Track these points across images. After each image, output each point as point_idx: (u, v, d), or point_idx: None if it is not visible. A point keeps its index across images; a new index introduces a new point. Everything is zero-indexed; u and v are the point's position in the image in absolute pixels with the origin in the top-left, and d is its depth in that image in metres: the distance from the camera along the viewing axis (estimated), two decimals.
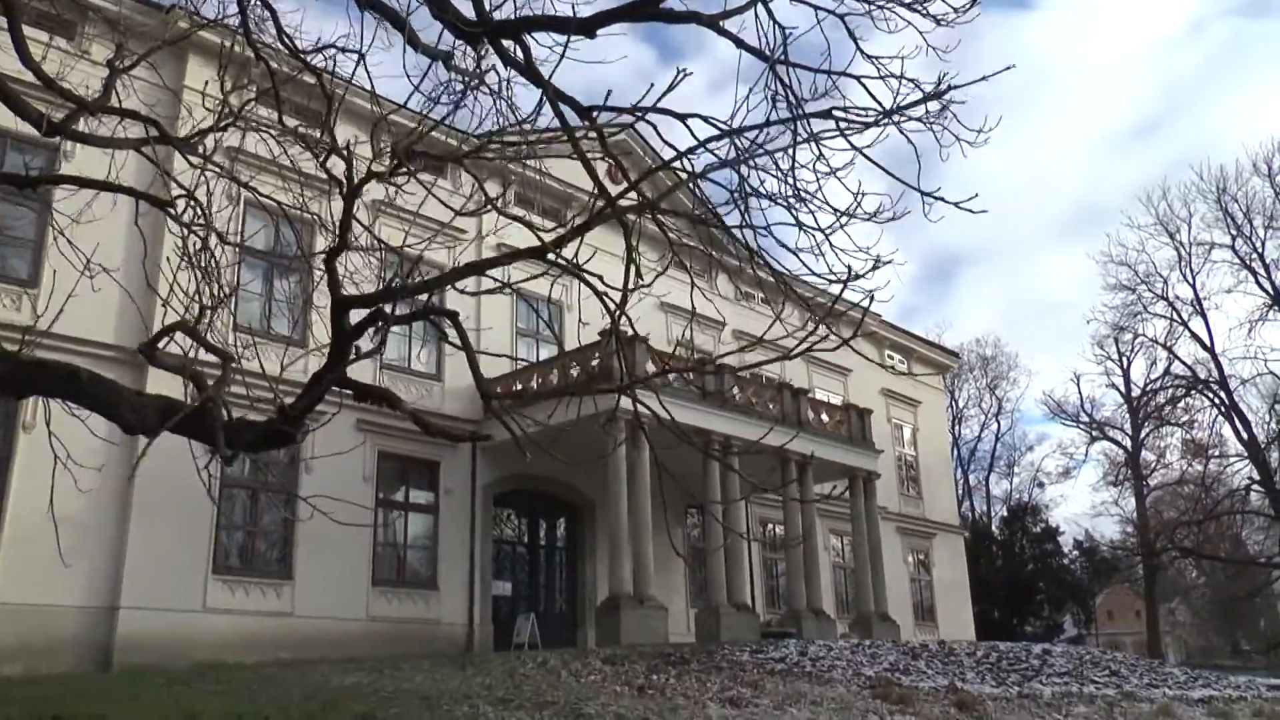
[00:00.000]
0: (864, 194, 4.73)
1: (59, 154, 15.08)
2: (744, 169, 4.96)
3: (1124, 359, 47.58)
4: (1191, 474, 45.64)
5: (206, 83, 6.51)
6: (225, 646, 14.83)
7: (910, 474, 33.30)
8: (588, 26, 4.91)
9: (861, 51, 5.06)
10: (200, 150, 5.90)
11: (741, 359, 16.50)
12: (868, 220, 4.76)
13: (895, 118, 4.76)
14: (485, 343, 17.78)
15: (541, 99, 4.99)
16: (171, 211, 5.81)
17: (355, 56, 5.36)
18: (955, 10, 5.00)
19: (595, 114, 4.95)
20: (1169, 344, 44.21)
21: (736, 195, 5.02)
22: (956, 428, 54.61)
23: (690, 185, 5.30)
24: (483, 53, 5.50)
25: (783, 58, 5.07)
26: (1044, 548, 50.78)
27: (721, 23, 4.95)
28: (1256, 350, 57.19)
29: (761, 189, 5.08)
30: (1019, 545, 50.45)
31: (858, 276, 4.49)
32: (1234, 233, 40.93)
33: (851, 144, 4.77)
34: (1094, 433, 50.29)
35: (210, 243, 5.88)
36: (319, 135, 5.83)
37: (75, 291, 6.30)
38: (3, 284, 15.16)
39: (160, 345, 5.41)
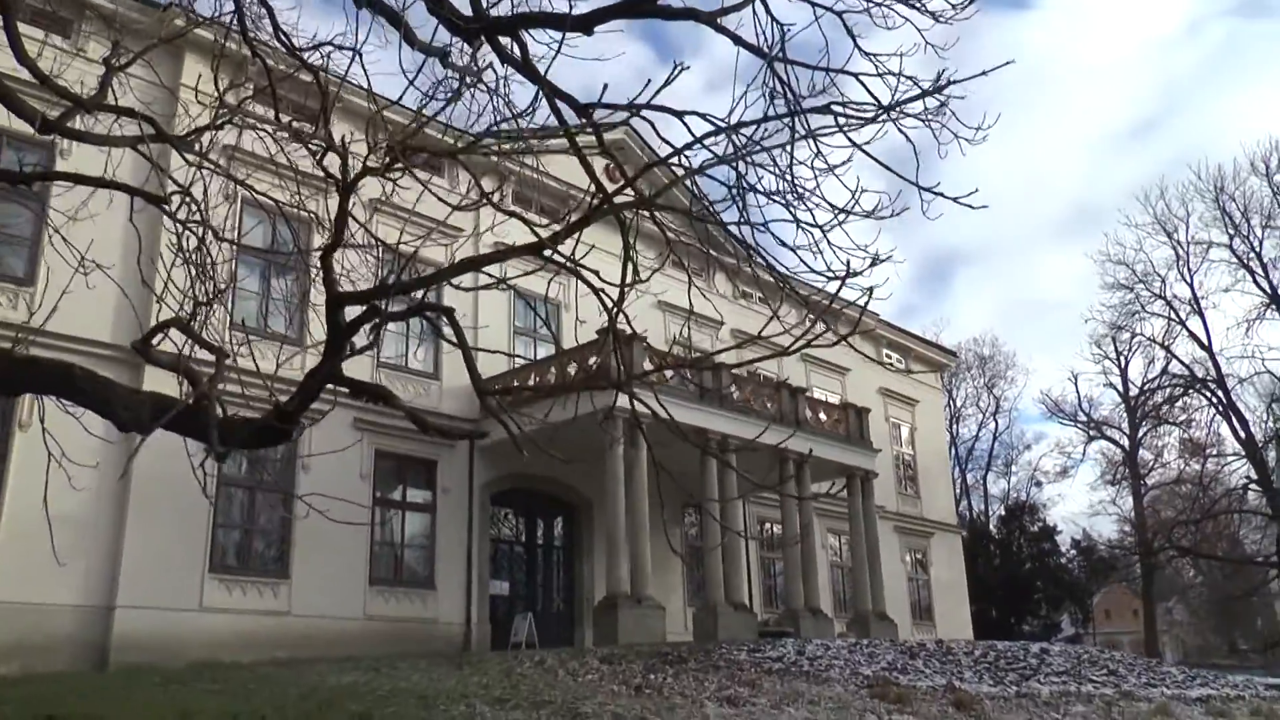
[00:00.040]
0: (862, 191, 4.71)
1: (55, 152, 15.05)
2: (742, 165, 4.95)
3: (1122, 358, 47.71)
4: (1189, 473, 45.77)
5: (200, 75, 6.49)
6: (222, 646, 14.80)
7: (908, 473, 33.31)
8: (585, 23, 4.90)
9: (860, 49, 5.05)
10: (197, 148, 5.87)
11: (739, 355, 16.48)
12: (866, 217, 4.75)
13: (894, 113, 4.75)
14: (482, 341, 17.75)
15: (537, 94, 4.97)
16: (167, 208, 5.79)
17: (352, 54, 5.35)
18: (953, 6, 4.99)
19: (592, 110, 4.93)
20: (1167, 343, 44.34)
21: (734, 192, 5.00)
22: (954, 427, 54.66)
23: (688, 182, 5.28)
24: (479, 49, 5.48)
25: (781, 55, 5.06)
26: (1041, 547, 50.83)
27: (719, 20, 4.94)
28: (1254, 349, 57.46)
29: (759, 186, 5.07)
30: (1017, 544, 50.50)
31: (856, 273, 4.48)
32: (1232, 232, 41.05)
33: (850, 139, 4.76)
34: (1091, 432, 50.38)
35: (206, 240, 5.86)
36: (313, 129, 5.80)
37: (70, 288, 6.28)
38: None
39: (155, 342, 5.38)
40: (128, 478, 13.67)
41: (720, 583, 19.13)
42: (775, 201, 5.05)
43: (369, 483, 18.45)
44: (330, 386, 5.14)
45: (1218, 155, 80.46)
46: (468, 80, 5.52)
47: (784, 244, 4.92)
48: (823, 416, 23.73)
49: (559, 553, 22.50)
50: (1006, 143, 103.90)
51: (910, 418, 34.19)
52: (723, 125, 4.73)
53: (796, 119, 4.94)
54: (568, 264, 4.69)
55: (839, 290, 4.55)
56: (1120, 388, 48.34)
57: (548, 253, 4.73)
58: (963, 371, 55.70)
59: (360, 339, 5.03)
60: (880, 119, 4.74)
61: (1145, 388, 46.97)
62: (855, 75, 4.96)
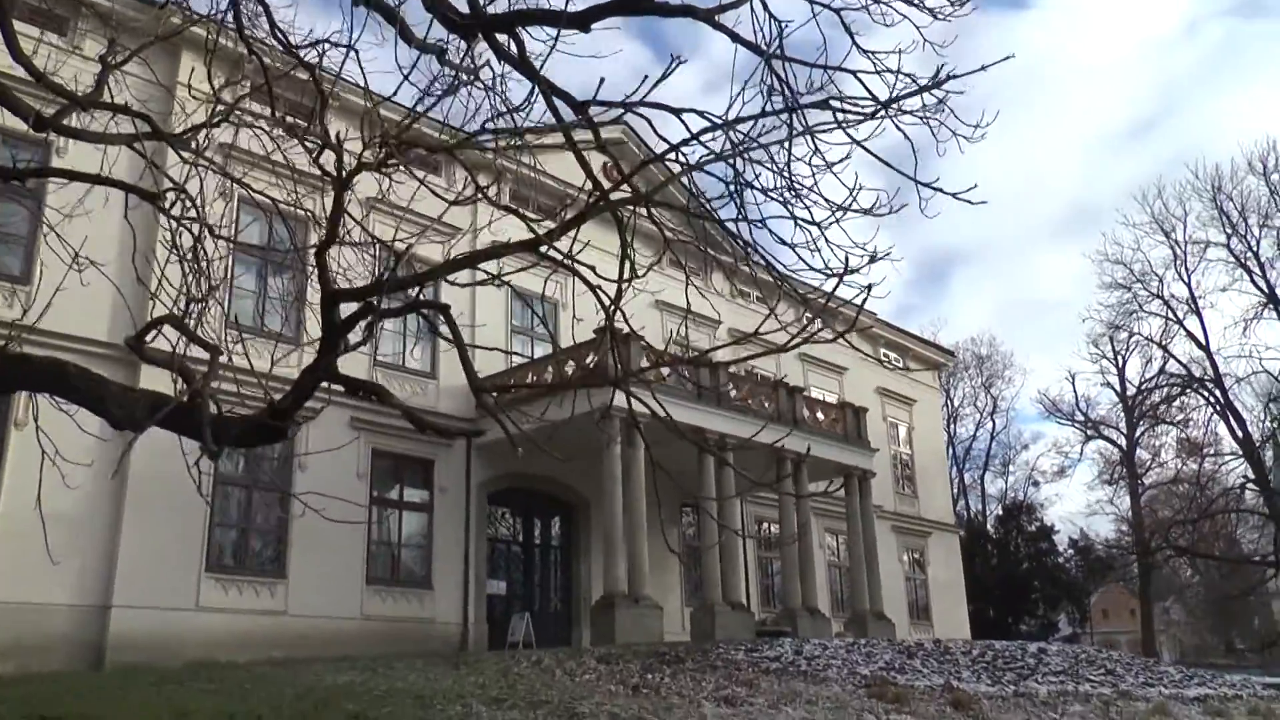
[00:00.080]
0: (860, 188, 4.70)
1: (51, 149, 15.01)
2: (739, 162, 4.93)
3: (1119, 358, 47.74)
4: (1186, 473, 45.78)
5: (193, 69, 6.46)
6: (218, 645, 14.76)
7: (905, 472, 33.30)
8: (582, 20, 4.87)
9: (857, 46, 5.02)
10: (193, 146, 5.85)
11: (736, 352, 16.48)
12: (864, 214, 4.73)
13: (892, 109, 4.73)
14: (480, 340, 17.71)
15: (533, 89, 4.95)
16: (162, 205, 5.76)
17: (347, 51, 5.32)
18: (952, 4, 4.97)
19: (588, 107, 4.91)
20: (1164, 342, 44.35)
21: (732, 188, 4.98)
22: (952, 426, 54.72)
23: (685, 179, 5.26)
24: (476, 47, 5.45)
25: (778, 52, 5.04)
26: (1039, 546, 50.88)
27: (717, 17, 4.92)
28: (1251, 349, 57.53)
29: (757, 183, 5.05)
30: (1014, 544, 50.54)
31: (853, 270, 4.46)
32: (1229, 231, 41.04)
33: (849, 135, 4.73)
34: (1089, 431, 50.39)
35: (201, 237, 5.83)
36: (308, 126, 5.78)
37: (65, 286, 6.26)
38: None
39: (149, 338, 5.35)
40: (123, 476, 13.64)
41: (718, 582, 19.12)
42: (773, 198, 5.03)
43: (366, 482, 18.39)
44: (325, 384, 5.12)
45: (1215, 155, 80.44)
46: (464, 77, 5.50)
47: (782, 241, 4.90)
48: (820, 416, 23.72)
49: (556, 552, 22.48)
50: (1005, 142, 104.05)
51: (908, 417, 34.18)
52: (720, 121, 4.72)
53: (794, 115, 4.92)
54: (564, 260, 4.67)
55: (836, 287, 4.53)
56: (1118, 387, 48.44)
57: (544, 249, 4.71)
58: (960, 371, 55.80)
59: (356, 336, 5.00)
60: (879, 115, 4.72)
61: (1143, 387, 47.06)
62: (853, 73, 4.94)
